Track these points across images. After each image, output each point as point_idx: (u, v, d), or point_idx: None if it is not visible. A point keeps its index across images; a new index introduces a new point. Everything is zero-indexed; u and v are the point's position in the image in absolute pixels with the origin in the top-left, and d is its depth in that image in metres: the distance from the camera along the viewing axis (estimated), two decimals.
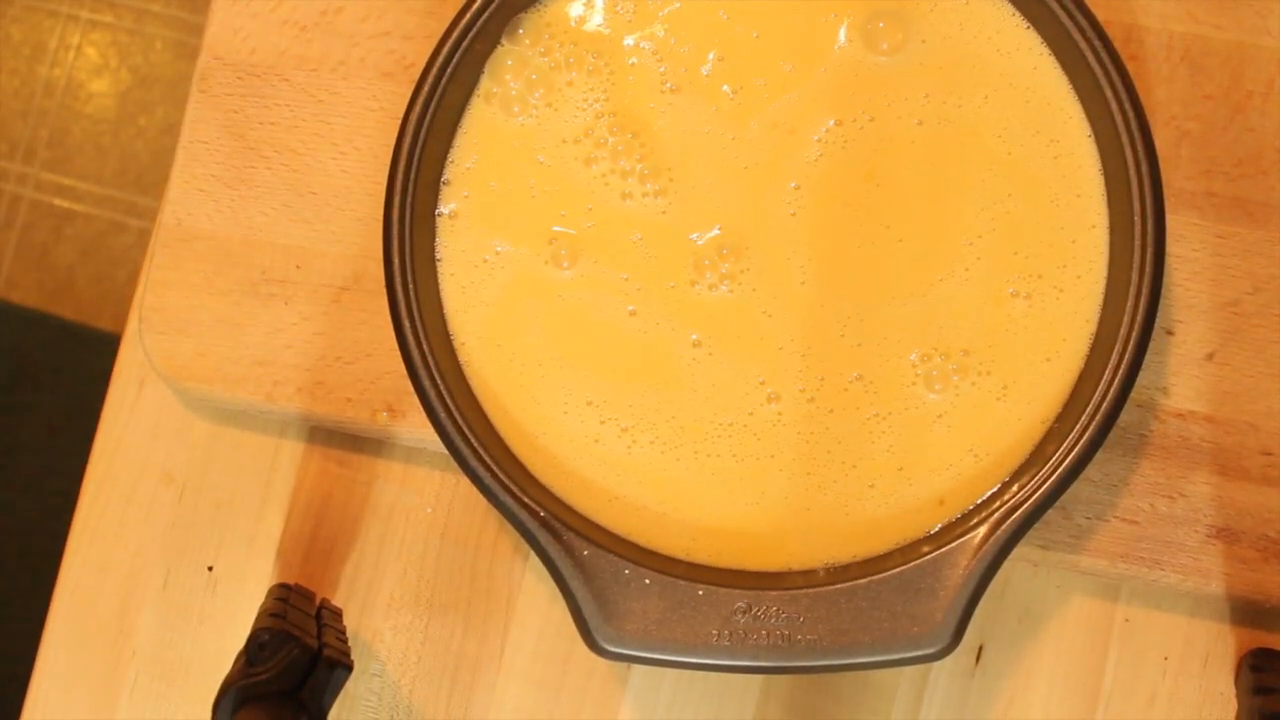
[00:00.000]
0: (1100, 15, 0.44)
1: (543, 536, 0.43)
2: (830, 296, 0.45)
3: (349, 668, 0.47)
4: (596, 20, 0.46)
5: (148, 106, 1.30)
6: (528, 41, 0.46)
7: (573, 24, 0.46)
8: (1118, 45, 0.44)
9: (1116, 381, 0.42)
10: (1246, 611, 0.50)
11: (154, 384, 0.54)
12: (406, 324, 0.44)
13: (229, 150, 0.51)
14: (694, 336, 0.45)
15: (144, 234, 1.28)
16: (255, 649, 0.45)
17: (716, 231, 0.46)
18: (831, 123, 0.45)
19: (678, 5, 0.46)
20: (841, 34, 0.46)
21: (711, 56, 0.46)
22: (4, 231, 1.30)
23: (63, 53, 1.31)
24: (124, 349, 0.54)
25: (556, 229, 0.46)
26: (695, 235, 0.46)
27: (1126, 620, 0.50)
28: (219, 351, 0.51)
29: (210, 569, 0.54)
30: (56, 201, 1.30)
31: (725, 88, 0.46)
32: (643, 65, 0.46)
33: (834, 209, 0.45)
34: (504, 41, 0.46)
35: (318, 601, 0.52)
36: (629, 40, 0.46)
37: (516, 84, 0.46)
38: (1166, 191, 0.43)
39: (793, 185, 0.45)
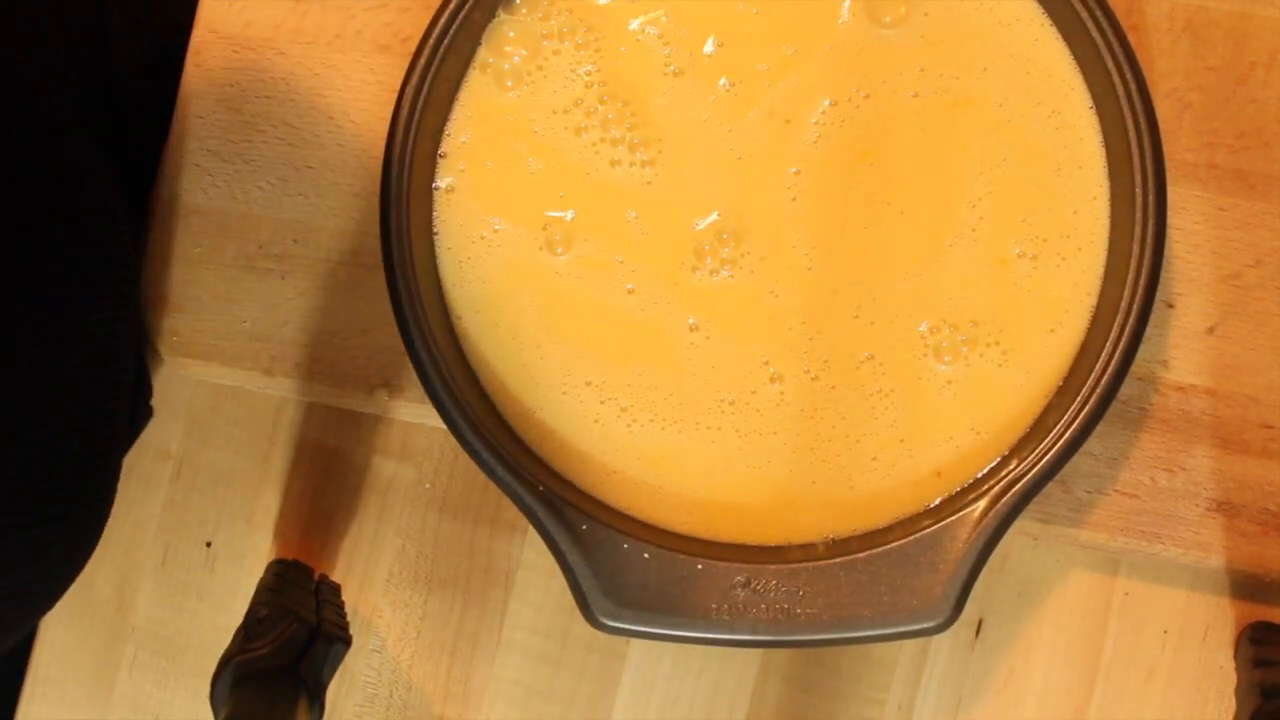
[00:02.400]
0: None
1: (541, 511, 0.43)
2: (838, 278, 0.45)
3: (347, 643, 0.47)
4: None
5: None
6: (524, 11, 0.46)
7: None
8: (1119, 16, 0.43)
9: (1117, 354, 0.42)
10: (1246, 585, 0.50)
11: (151, 360, 0.54)
12: (404, 299, 0.44)
13: (225, 124, 0.51)
14: (691, 320, 0.45)
15: None
16: (253, 624, 0.46)
17: (715, 217, 0.46)
18: (827, 103, 0.45)
19: None
20: (845, 8, 0.45)
21: (712, 40, 0.46)
22: None
23: None
24: None
25: (551, 214, 0.46)
26: (695, 221, 0.46)
27: (1126, 594, 0.51)
28: (216, 327, 0.51)
29: (208, 545, 0.54)
30: None
31: (723, 81, 0.45)
32: (645, 46, 0.46)
33: (835, 190, 0.45)
34: (500, 12, 0.46)
35: (316, 577, 0.52)
36: (634, 24, 0.46)
37: (512, 55, 0.46)
38: (1168, 164, 0.43)
39: (793, 171, 0.45)
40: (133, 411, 0.49)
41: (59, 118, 0.44)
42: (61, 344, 0.40)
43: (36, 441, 0.39)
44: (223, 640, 0.52)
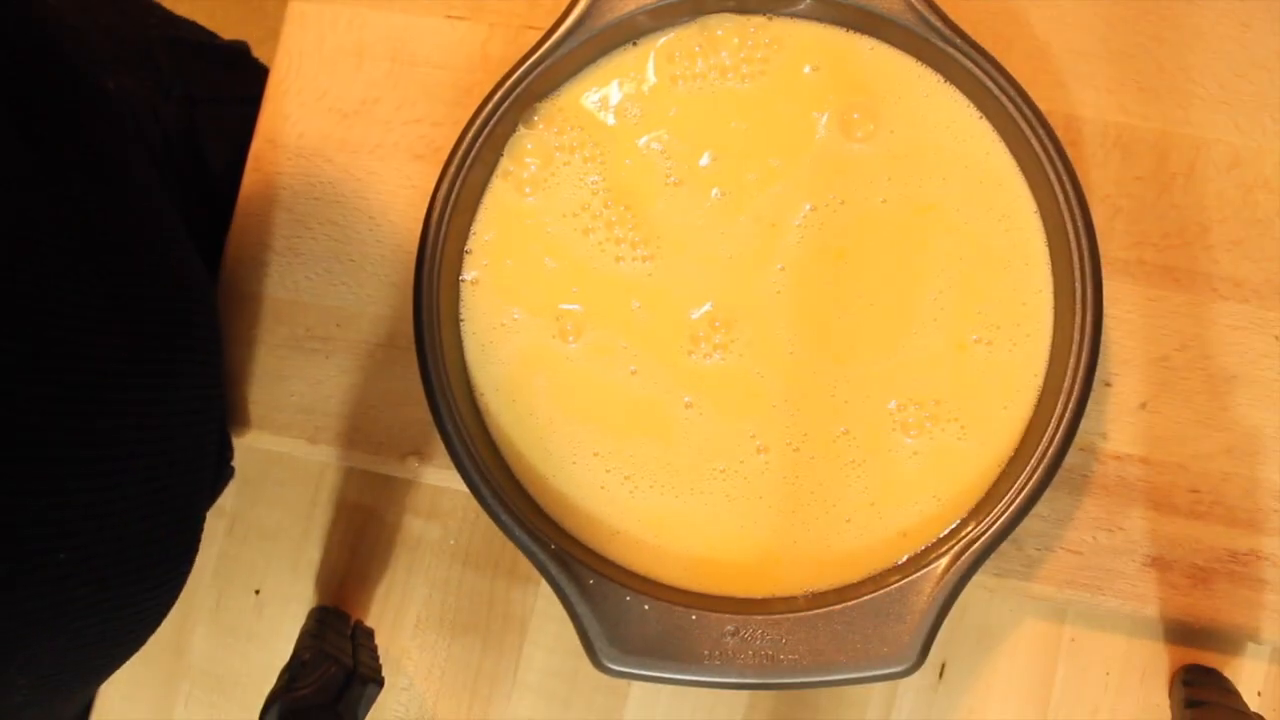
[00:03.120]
0: (1044, 107, 0.43)
1: (553, 567, 0.42)
2: (816, 361, 0.45)
3: (380, 683, 0.46)
4: (602, 111, 0.46)
5: None
6: (541, 126, 0.46)
7: (581, 113, 0.46)
8: (1059, 133, 0.43)
9: (1062, 428, 0.42)
10: (1179, 632, 0.49)
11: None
12: (433, 378, 0.43)
13: (278, 222, 0.51)
14: (687, 399, 0.45)
15: None
16: (297, 667, 0.45)
17: (709, 307, 0.45)
18: (808, 208, 0.45)
19: (674, 111, 0.46)
20: (821, 126, 0.45)
21: (708, 154, 0.46)
22: None
23: None
24: None
25: (564, 306, 0.45)
26: (691, 311, 0.45)
27: (1072, 640, 0.50)
28: (267, 400, 0.50)
29: (257, 592, 0.53)
30: None
31: (715, 191, 0.45)
32: (646, 158, 0.46)
33: (815, 284, 0.45)
34: (521, 126, 0.46)
35: (352, 623, 0.51)
36: (642, 140, 0.46)
37: (530, 164, 0.46)
38: (1104, 260, 0.43)
39: (778, 267, 0.45)
40: (216, 471, 0.49)
41: (170, 223, 0.44)
42: (160, 411, 0.40)
43: (139, 505, 0.38)
44: (269, 678, 0.51)
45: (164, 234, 0.43)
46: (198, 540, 0.44)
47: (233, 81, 0.61)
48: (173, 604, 0.43)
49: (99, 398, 0.36)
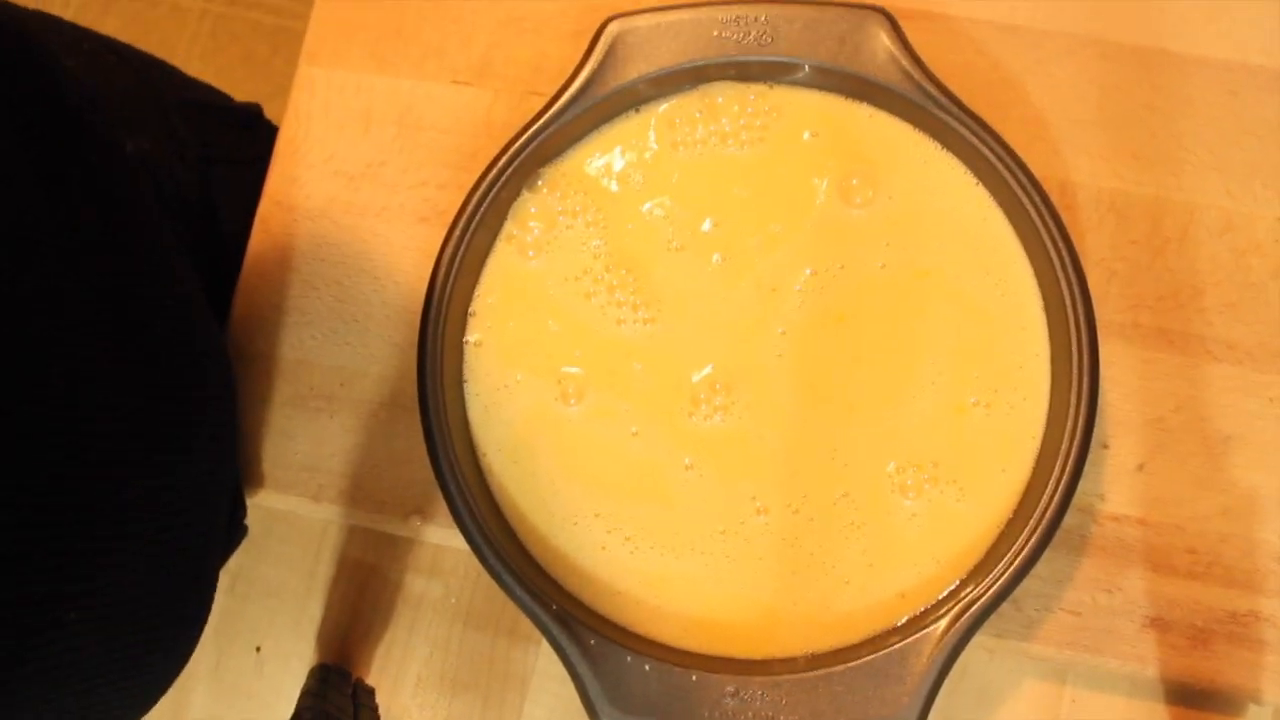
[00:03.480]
0: (1039, 173, 0.44)
1: (554, 627, 0.42)
2: (816, 423, 0.45)
3: None
4: (605, 176, 0.47)
5: None
6: (545, 191, 0.47)
7: (584, 178, 0.47)
8: (1054, 199, 0.44)
9: (1060, 490, 0.42)
10: (1179, 692, 0.49)
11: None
12: (436, 438, 0.44)
13: (285, 282, 0.52)
14: (687, 460, 0.45)
15: None
16: None
17: (710, 369, 0.46)
18: (808, 272, 0.46)
19: (676, 178, 0.46)
20: (821, 192, 0.46)
21: (710, 221, 0.46)
22: None
23: None
24: None
25: (566, 370, 0.46)
26: (692, 373, 0.46)
27: (1073, 700, 0.50)
28: (271, 458, 0.50)
29: (258, 650, 0.53)
30: None
31: (716, 256, 0.46)
32: (649, 224, 0.46)
33: (815, 348, 0.45)
34: (525, 191, 0.47)
35: (353, 681, 0.51)
36: (646, 206, 0.46)
37: (534, 229, 0.47)
38: (1099, 324, 0.44)
39: (780, 331, 0.46)
40: (229, 531, 0.49)
41: (190, 287, 0.44)
42: (177, 473, 0.40)
43: (151, 564, 0.39)
44: None
45: (184, 298, 0.43)
46: (210, 601, 0.44)
47: (246, 142, 0.62)
48: (183, 666, 0.43)
49: (117, 459, 0.36)
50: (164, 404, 0.39)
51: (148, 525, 0.38)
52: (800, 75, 0.46)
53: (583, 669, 0.42)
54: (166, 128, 0.57)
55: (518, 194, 0.47)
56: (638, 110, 0.47)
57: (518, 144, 0.45)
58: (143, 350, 0.38)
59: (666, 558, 0.45)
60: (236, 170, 0.58)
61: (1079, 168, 0.49)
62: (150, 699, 0.42)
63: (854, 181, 0.46)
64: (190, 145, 0.57)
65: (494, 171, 0.45)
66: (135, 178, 0.43)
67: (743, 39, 0.45)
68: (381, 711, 0.51)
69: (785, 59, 0.45)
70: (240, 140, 0.62)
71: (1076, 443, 0.42)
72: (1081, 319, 0.43)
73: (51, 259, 0.34)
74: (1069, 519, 0.47)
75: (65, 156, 0.38)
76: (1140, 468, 0.48)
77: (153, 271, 0.41)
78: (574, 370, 0.46)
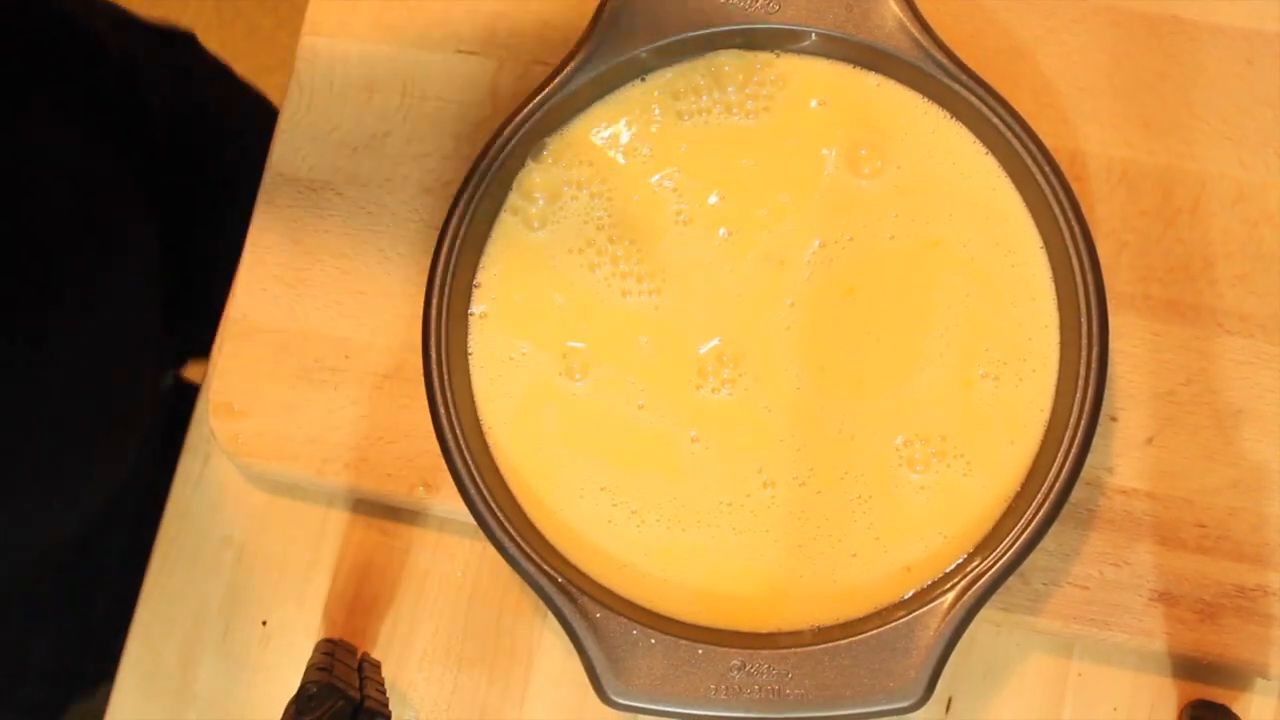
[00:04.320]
0: (1049, 143, 0.44)
1: (560, 600, 0.42)
2: (824, 396, 0.45)
3: (387, 717, 0.46)
4: (610, 146, 0.46)
5: None
6: (550, 161, 0.46)
7: (589, 148, 0.46)
8: (1064, 169, 0.44)
9: (1068, 463, 0.42)
10: (1186, 667, 0.49)
11: (218, 458, 0.53)
12: (441, 410, 0.44)
13: (289, 254, 0.51)
14: (692, 433, 0.45)
15: None
16: (304, 700, 0.44)
17: (717, 342, 0.45)
18: (817, 244, 0.45)
19: (684, 148, 0.46)
20: (830, 163, 0.46)
21: (717, 192, 0.46)
22: None
23: None
24: (192, 428, 0.54)
25: (571, 344, 0.45)
26: (699, 346, 0.45)
27: (1079, 674, 0.49)
28: (276, 431, 0.50)
29: (264, 624, 0.53)
30: None
31: (722, 231, 0.46)
32: (657, 195, 0.46)
33: (824, 320, 0.45)
34: (529, 161, 0.46)
35: (360, 655, 0.51)
36: (654, 178, 0.46)
37: (538, 199, 0.46)
38: (1109, 295, 0.43)
39: (788, 303, 0.45)
40: (163, 345, 0.52)
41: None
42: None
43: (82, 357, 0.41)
44: (275, 709, 0.51)
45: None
46: (146, 413, 0.45)
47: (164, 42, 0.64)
48: (119, 478, 0.44)
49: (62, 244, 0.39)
50: (100, 201, 0.42)
51: (81, 319, 0.39)
52: (807, 43, 0.46)
53: (588, 642, 0.42)
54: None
55: (523, 164, 0.46)
56: (643, 79, 0.46)
57: (522, 114, 0.45)
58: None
59: (673, 530, 0.44)
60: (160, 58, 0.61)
61: (1090, 137, 0.49)
62: (77, 503, 0.42)
63: (862, 151, 0.45)
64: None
65: (498, 141, 0.45)
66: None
67: (749, 6, 0.45)
68: (387, 685, 0.51)
69: (792, 26, 0.45)
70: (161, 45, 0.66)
71: (1085, 415, 0.42)
72: (1091, 290, 0.42)
73: None
74: (1077, 492, 0.47)
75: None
76: (1149, 441, 0.47)
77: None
78: (579, 345, 0.45)
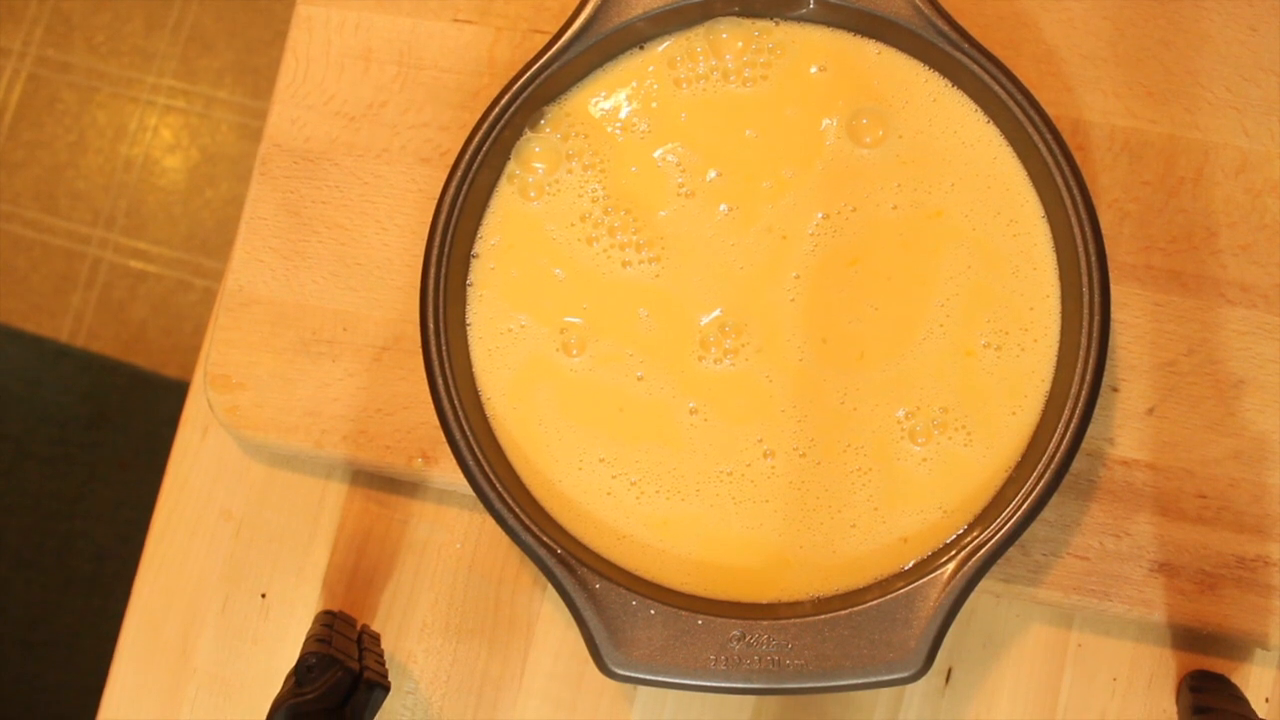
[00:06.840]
0: (1051, 112, 0.43)
1: (559, 571, 0.42)
2: (825, 367, 0.45)
3: (387, 688, 0.46)
4: (608, 116, 0.46)
5: (214, 180, 1.31)
6: (548, 130, 0.46)
7: (587, 118, 0.46)
8: (1066, 138, 0.43)
9: (1069, 434, 0.42)
10: (1186, 637, 0.49)
11: (216, 431, 0.53)
12: (439, 382, 0.43)
13: (285, 226, 0.51)
14: (691, 404, 0.45)
15: (208, 292, 1.28)
16: (303, 671, 0.45)
17: (719, 313, 0.45)
18: (820, 216, 0.45)
19: (684, 117, 0.46)
20: (831, 134, 0.45)
21: (720, 166, 0.45)
22: (86, 289, 1.29)
23: (141, 133, 1.32)
24: (190, 400, 0.54)
25: (569, 319, 0.45)
26: (701, 317, 0.45)
27: (1079, 645, 0.49)
28: (274, 403, 0.50)
29: (263, 596, 0.53)
30: (132, 263, 1.30)
31: (723, 206, 0.45)
32: (659, 167, 0.46)
33: (827, 292, 0.45)
34: (527, 130, 0.46)
35: (359, 627, 0.51)
36: (657, 152, 0.46)
37: (537, 168, 0.46)
38: (1111, 265, 0.43)
39: (794, 275, 0.45)
40: None
41: None
42: None
43: None
44: (274, 681, 0.51)
45: None
46: None
47: None
48: None
49: None
50: None
51: None
52: (806, 10, 0.45)
53: (588, 613, 0.42)
54: None
55: (520, 133, 0.46)
56: (641, 48, 0.46)
57: (520, 82, 0.44)
58: None
59: (672, 501, 0.44)
60: None
61: (1092, 106, 0.49)
62: None
63: (863, 121, 0.45)
64: None
65: (496, 111, 0.44)
66: None
67: None
68: (387, 657, 0.51)
69: None
70: None
71: (1086, 386, 0.42)
72: (1093, 260, 0.42)
73: None
74: (1078, 463, 0.47)
75: None
76: (1150, 411, 0.47)
77: None
78: (576, 320, 0.45)
